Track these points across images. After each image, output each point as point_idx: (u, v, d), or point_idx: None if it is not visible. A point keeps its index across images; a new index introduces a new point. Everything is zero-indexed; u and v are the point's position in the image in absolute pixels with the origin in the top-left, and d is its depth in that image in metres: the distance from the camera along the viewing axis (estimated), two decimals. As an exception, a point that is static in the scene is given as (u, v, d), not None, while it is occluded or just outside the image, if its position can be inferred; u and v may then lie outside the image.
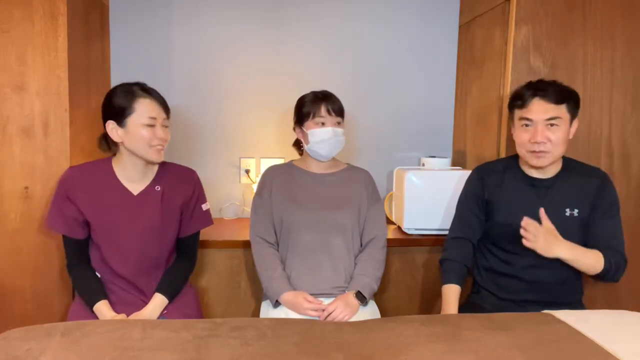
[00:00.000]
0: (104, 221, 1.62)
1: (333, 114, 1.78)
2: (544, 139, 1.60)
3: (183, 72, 2.38)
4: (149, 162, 1.65)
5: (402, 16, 2.48)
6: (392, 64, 2.50)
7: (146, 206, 1.65)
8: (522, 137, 1.65)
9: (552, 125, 1.60)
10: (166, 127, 1.63)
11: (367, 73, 2.49)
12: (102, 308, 1.58)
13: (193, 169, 1.81)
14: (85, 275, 1.65)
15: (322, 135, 1.77)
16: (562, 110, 1.61)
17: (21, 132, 1.79)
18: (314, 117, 1.78)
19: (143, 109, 1.57)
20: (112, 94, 1.60)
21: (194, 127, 2.41)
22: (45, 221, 1.68)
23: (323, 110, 1.77)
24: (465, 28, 2.46)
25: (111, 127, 1.59)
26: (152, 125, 1.58)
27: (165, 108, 1.63)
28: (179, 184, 1.72)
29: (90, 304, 1.59)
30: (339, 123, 1.80)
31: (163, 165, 1.73)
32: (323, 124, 1.78)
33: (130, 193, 1.65)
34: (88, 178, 1.64)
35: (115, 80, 2.31)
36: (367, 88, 2.49)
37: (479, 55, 2.30)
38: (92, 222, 1.62)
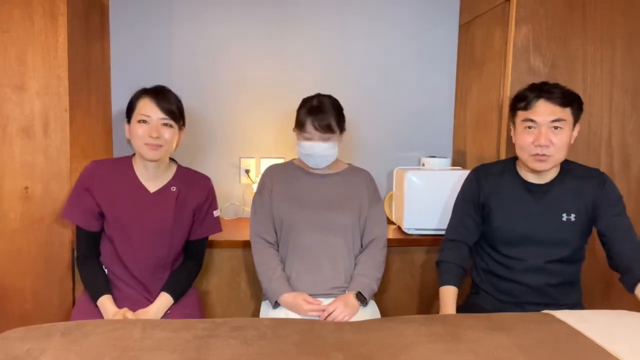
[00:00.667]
0: (119, 215, 1.66)
1: (320, 130, 1.73)
2: (547, 142, 1.58)
3: (183, 72, 2.38)
4: (145, 159, 1.68)
5: (402, 16, 2.48)
6: (392, 64, 2.50)
7: (161, 205, 1.69)
8: (524, 139, 1.62)
9: (556, 128, 1.59)
10: (167, 126, 1.65)
11: (367, 73, 2.49)
12: (106, 302, 1.60)
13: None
14: (93, 269, 1.68)
15: (307, 150, 1.77)
16: (567, 113, 1.60)
17: (21, 132, 1.79)
18: (301, 131, 1.78)
19: (140, 107, 1.64)
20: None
21: (194, 127, 2.41)
22: (63, 210, 1.72)
23: (309, 126, 1.74)
24: (465, 28, 2.46)
25: (126, 125, 1.69)
26: (145, 122, 1.63)
27: (166, 110, 1.64)
28: (193, 188, 1.77)
29: (95, 297, 1.62)
30: (328, 138, 1.76)
31: (180, 168, 1.79)
32: (309, 139, 1.76)
33: (147, 190, 1.70)
34: (109, 172, 1.70)
35: (116, 81, 2.31)
36: (367, 88, 2.49)
37: (479, 55, 2.30)
38: (107, 214, 1.66)
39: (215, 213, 1.83)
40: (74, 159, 1.84)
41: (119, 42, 2.33)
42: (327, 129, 1.74)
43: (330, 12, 2.44)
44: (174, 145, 1.70)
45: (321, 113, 1.74)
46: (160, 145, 1.64)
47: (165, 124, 1.65)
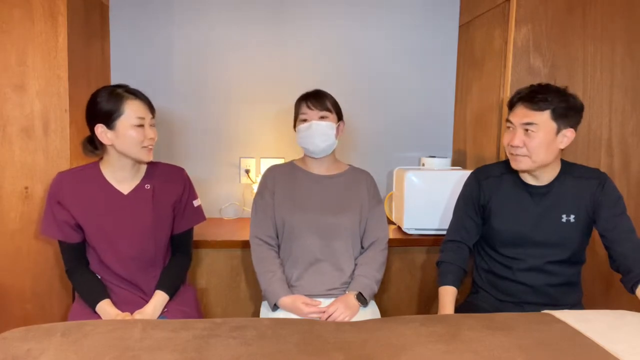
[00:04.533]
0: (96, 223, 1.62)
1: (314, 108, 1.77)
2: (520, 143, 1.61)
3: (183, 72, 2.39)
4: (139, 162, 1.66)
5: (402, 16, 2.48)
6: (392, 64, 2.50)
7: (137, 205, 1.66)
8: (505, 138, 1.69)
9: (527, 130, 1.60)
10: (153, 126, 1.65)
11: (368, 73, 2.49)
12: (105, 307, 1.58)
13: (182, 166, 1.81)
14: (84, 277, 1.65)
15: (304, 131, 1.78)
16: (542, 117, 1.58)
17: (21, 132, 1.79)
18: (298, 115, 1.82)
19: (131, 110, 1.58)
20: (96, 98, 1.59)
21: (193, 127, 2.41)
22: (40, 228, 1.68)
23: (304, 107, 1.79)
24: (465, 28, 2.46)
25: (100, 130, 1.58)
26: (141, 125, 1.59)
27: (151, 108, 1.64)
28: (169, 183, 1.73)
29: (93, 305, 1.60)
30: (323, 117, 1.77)
31: (151, 164, 1.73)
32: (305, 120, 1.79)
33: (120, 193, 1.66)
34: (77, 182, 1.64)
35: (115, 80, 2.31)
36: (367, 88, 2.49)
37: (479, 55, 2.30)
38: (84, 225, 1.62)
39: (196, 203, 1.80)
40: (74, 159, 1.84)
41: (119, 42, 2.33)
42: (322, 107, 1.78)
43: (330, 13, 2.44)
44: None
45: (315, 95, 1.81)
46: (153, 146, 1.64)
47: (153, 124, 1.64)
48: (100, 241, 1.63)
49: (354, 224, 1.79)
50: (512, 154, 1.65)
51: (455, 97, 2.56)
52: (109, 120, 1.57)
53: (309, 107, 1.78)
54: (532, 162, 1.62)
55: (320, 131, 1.76)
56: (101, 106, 1.57)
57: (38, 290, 1.85)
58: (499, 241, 1.72)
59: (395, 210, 2.29)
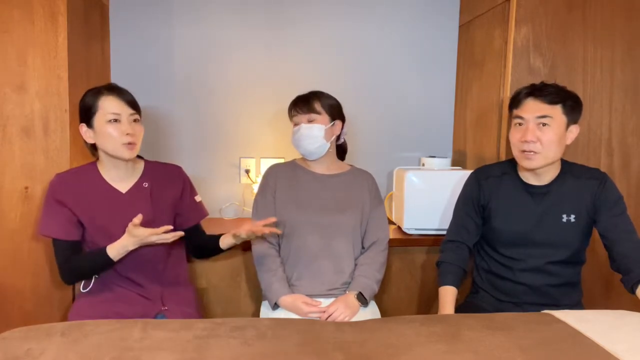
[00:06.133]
0: (96, 222, 1.62)
1: (300, 112, 1.79)
2: (534, 138, 1.58)
3: (183, 72, 2.38)
4: (121, 160, 1.63)
5: (402, 16, 2.48)
6: (392, 64, 2.50)
7: (136, 202, 1.66)
8: (514, 136, 1.65)
9: (543, 124, 1.59)
10: (136, 121, 1.62)
11: (367, 73, 2.49)
12: (114, 244, 1.56)
13: (182, 166, 1.81)
14: (80, 257, 1.63)
15: (294, 134, 1.81)
16: (555, 110, 1.59)
17: (21, 132, 1.79)
18: (291, 119, 1.84)
19: (106, 106, 1.57)
20: (82, 97, 1.61)
21: (193, 126, 2.41)
22: (39, 228, 1.64)
23: (293, 111, 1.82)
24: (465, 28, 2.46)
25: (84, 129, 1.60)
26: (116, 121, 1.57)
27: (132, 104, 1.61)
28: (167, 181, 1.73)
29: (104, 255, 1.56)
30: (310, 120, 1.78)
31: (148, 163, 1.75)
32: (297, 123, 1.81)
33: (118, 192, 1.66)
34: (75, 182, 1.64)
35: (115, 80, 2.30)
36: (367, 88, 2.49)
37: (479, 55, 2.30)
38: (85, 223, 1.62)
39: (197, 198, 1.83)
40: (74, 159, 1.84)
41: (119, 42, 2.33)
42: (309, 109, 1.78)
43: (329, 14, 2.44)
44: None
45: (302, 98, 1.82)
46: (135, 143, 1.61)
47: (135, 120, 1.62)
48: (99, 240, 1.63)
49: (355, 223, 1.79)
50: (524, 152, 1.62)
51: (455, 97, 2.55)
52: (88, 118, 1.58)
53: (296, 111, 1.80)
54: (543, 158, 1.61)
55: (306, 134, 1.77)
56: (82, 105, 1.60)
57: (38, 290, 1.85)
58: (499, 241, 1.72)
59: (395, 210, 2.29)
